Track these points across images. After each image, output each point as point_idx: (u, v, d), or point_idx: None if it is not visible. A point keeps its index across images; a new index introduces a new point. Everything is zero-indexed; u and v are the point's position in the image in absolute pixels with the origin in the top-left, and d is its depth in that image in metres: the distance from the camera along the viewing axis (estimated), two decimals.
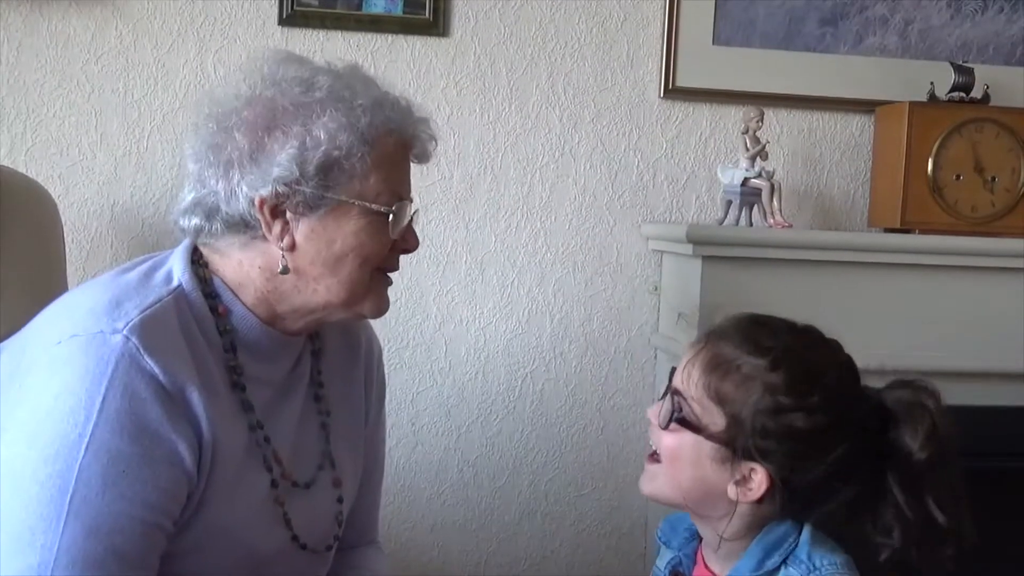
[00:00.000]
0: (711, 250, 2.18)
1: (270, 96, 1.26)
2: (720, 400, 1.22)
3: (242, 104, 1.26)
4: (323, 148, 1.23)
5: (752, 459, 1.21)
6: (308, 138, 1.23)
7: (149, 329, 1.18)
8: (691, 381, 1.25)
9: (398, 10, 2.32)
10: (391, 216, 1.28)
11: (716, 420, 1.22)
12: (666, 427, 1.25)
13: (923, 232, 2.30)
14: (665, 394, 1.29)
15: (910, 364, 2.19)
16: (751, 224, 2.30)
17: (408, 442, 2.41)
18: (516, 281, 2.42)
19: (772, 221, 2.28)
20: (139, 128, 2.26)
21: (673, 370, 1.31)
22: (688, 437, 1.24)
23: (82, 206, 2.25)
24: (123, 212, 2.26)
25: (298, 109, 1.24)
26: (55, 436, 1.13)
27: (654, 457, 1.29)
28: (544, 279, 2.43)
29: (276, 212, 1.25)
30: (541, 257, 2.42)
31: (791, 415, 1.20)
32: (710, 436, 1.22)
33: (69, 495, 1.12)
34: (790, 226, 2.30)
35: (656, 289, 2.45)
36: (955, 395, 2.31)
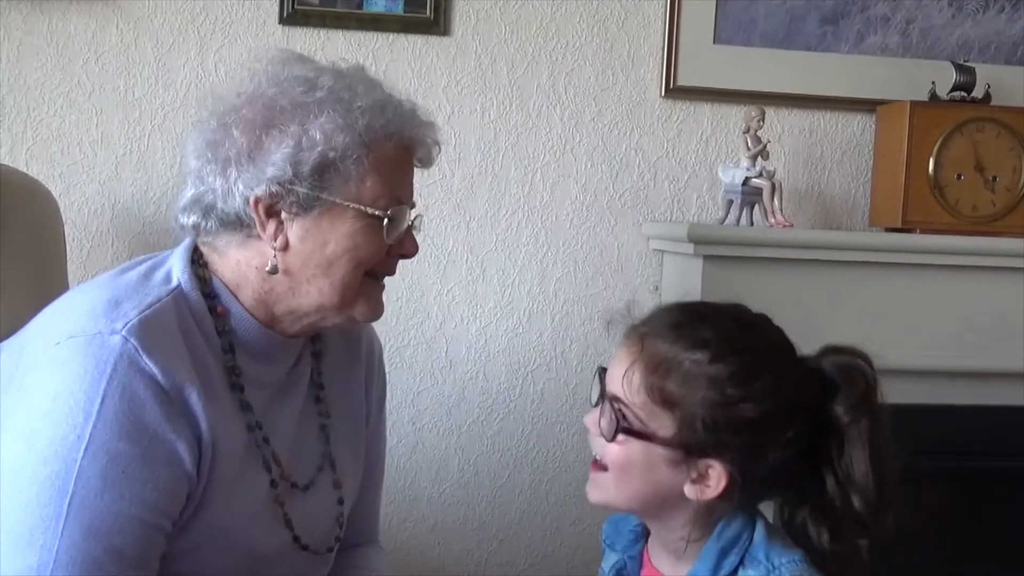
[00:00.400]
0: (712, 249, 2.18)
1: (271, 95, 1.25)
2: (665, 403, 1.17)
3: (243, 102, 1.26)
4: (319, 149, 1.22)
5: (707, 455, 1.17)
6: (304, 138, 1.22)
7: (148, 330, 1.18)
8: (631, 387, 1.19)
9: (399, 9, 2.32)
10: (386, 220, 1.27)
11: (665, 424, 1.17)
12: (612, 439, 1.19)
13: (924, 232, 2.30)
14: (600, 401, 1.23)
15: (911, 363, 2.21)
16: (752, 224, 2.30)
17: (409, 441, 2.41)
18: (517, 280, 2.42)
19: (773, 221, 2.28)
20: (140, 127, 2.26)
21: (602, 371, 1.25)
22: (637, 446, 1.19)
23: (83, 205, 2.25)
24: (124, 211, 2.26)
25: (296, 108, 1.24)
26: (54, 437, 1.13)
27: (599, 465, 1.24)
28: (545, 278, 2.42)
29: (271, 212, 1.25)
30: (542, 256, 2.42)
31: (741, 406, 1.16)
32: (661, 442, 1.17)
33: (68, 496, 1.12)
34: (791, 226, 2.30)
35: (657, 288, 2.45)
36: (956, 394, 2.33)
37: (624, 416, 1.19)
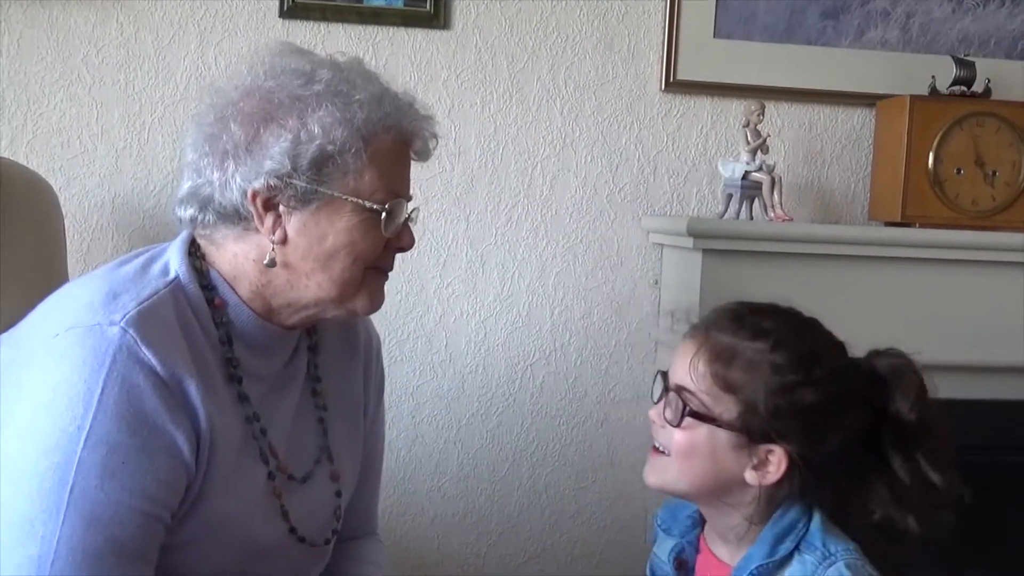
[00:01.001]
0: (712, 243, 2.18)
1: (269, 88, 1.25)
2: (729, 388, 1.24)
3: (241, 95, 1.26)
4: (317, 142, 1.22)
5: (768, 440, 1.23)
6: (303, 131, 1.22)
7: (146, 321, 1.18)
8: (696, 375, 1.25)
9: (399, 2, 2.32)
10: (384, 214, 1.27)
11: (729, 408, 1.24)
12: (678, 424, 1.25)
13: (923, 226, 2.30)
14: (662, 395, 1.29)
15: (911, 358, 2.21)
16: (752, 218, 2.30)
17: (408, 435, 2.41)
18: (516, 274, 2.42)
19: (773, 215, 2.28)
20: (140, 120, 2.26)
21: (663, 374, 1.32)
22: (702, 430, 1.25)
23: (83, 198, 2.25)
24: (124, 204, 2.26)
25: (295, 102, 1.24)
26: (54, 428, 1.13)
27: (659, 450, 1.30)
28: (544, 272, 2.43)
29: (269, 205, 1.25)
30: (541, 250, 2.42)
31: (801, 391, 1.23)
32: (725, 425, 1.24)
33: (69, 487, 1.12)
34: (791, 220, 2.30)
35: (656, 282, 2.45)
36: (956, 389, 2.32)
37: (690, 402, 1.25)
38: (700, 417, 1.25)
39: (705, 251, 2.19)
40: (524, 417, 2.45)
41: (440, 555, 2.45)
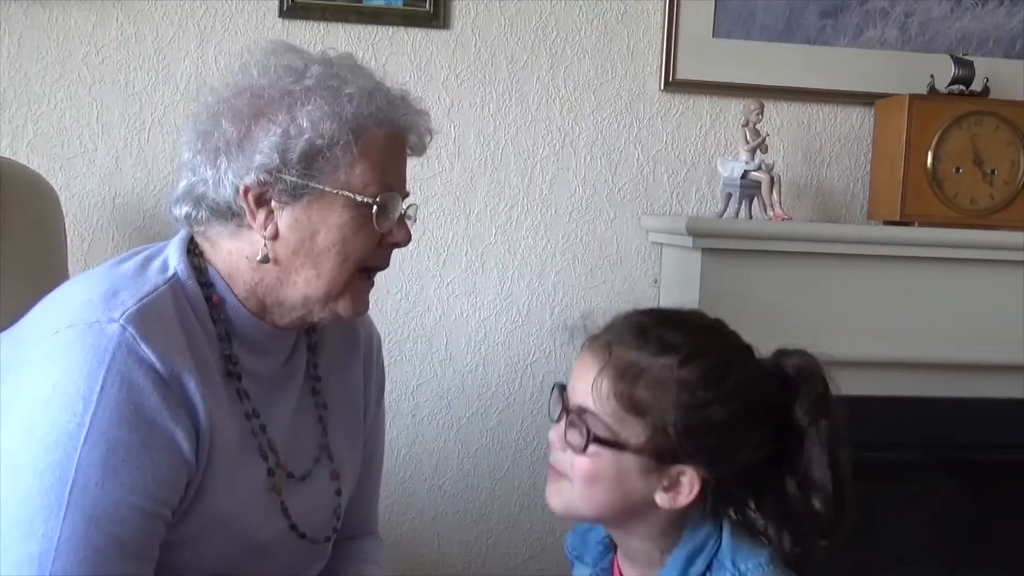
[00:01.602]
0: (711, 242, 2.18)
1: (260, 85, 1.26)
2: (636, 410, 1.15)
3: (232, 93, 1.27)
4: (306, 136, 1.23)
5: (678, 461, 1.15)
6: (292, 126, 1.23)
7: (145, 318, 1.19)
8: (600, 396, 1.16)
9: (398, 2, 2.32)
10: (375, 208, 1.27)
11: (636, 431, 1.15)
12: (584, 451, 1.16)
13: (922, 225, 2.31)
14: (561, 414, 1.20)
15: (909, 356, 2.22)
16: (751, 217, 2.31)
17: (408, 433, 2.42)
18: (516, 273, 2.42)
19: (772, 214, 2.28)
20: (140, 120, 2.26)
21: (561, 388, 1.22)
22: (607, 456, 1.16)
23: (83, 198, 2.25)
24: (124, 204, 2.26)
25: (284, 97, 1.24)
26: (54, 425, 1.13)
27: (559, 471, 1.21)
28: (544, 271, 2.43)
29: (261, 201, 1.25)
30: (541, 249, 2.42)
31: (711, 408, 1.14)
32: (632, 450, 1.15)
33: (69, 484, 1.12)
34: (790, 219, 2.30)
35: (656, 281, 2.45)
36: (954, 387, 2.33)
37: (594, 427, 1.16)
38: (606, 443, 1.15)
39: (704, 250, 2.19)
40: (524, 416, 2.45)
41: (440, 554, 2.46)
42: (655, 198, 2.45)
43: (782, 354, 1.22)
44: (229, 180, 1.24)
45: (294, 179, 1.24)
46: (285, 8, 2.28)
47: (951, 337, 2.26)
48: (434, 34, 2.35)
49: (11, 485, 1.13)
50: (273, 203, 1.25)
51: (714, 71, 2.41)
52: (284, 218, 1.26)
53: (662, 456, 1.15)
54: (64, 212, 1.92)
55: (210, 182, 1.26)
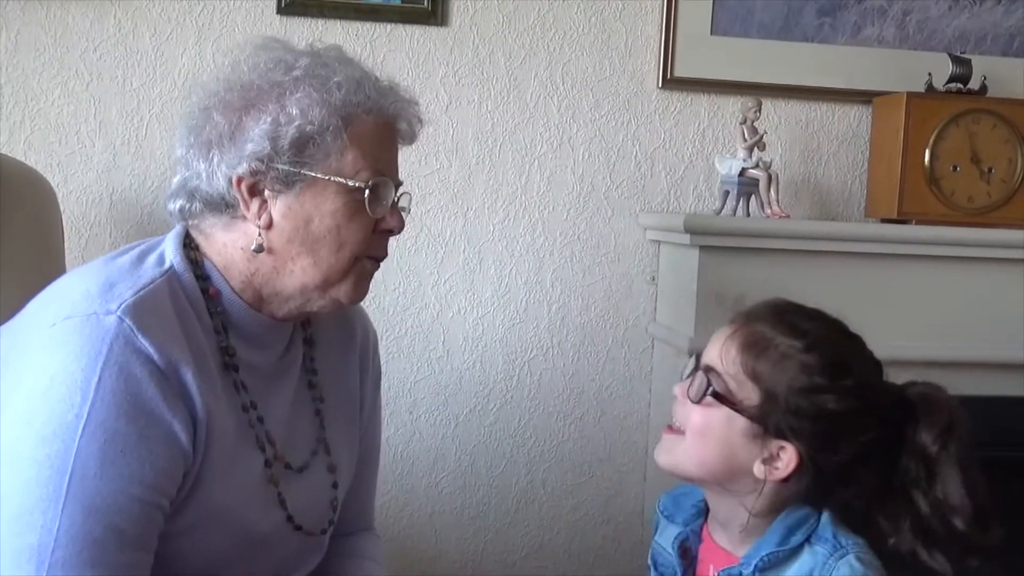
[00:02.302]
0: (708, 240, 2.19)
1: (250, 79, 1.27)
2: (755, 377, 1.25)
3: (223, 87, 1.28)
4: (296, 123, 1.24)
5: (782, 437, 1.24)
6: (281, 114, 1.24)
7: (143, 310, 1.19)
8: (727, 358, 1.27)
9: None
10: (367, 192, 1.27)
11: (750, 396, 1.25)
12: (699, 401, 1.26)
13: (920, 223, 2.31)
14: (693, 371, 1.30)
15: (907, 354, 2.21)
16: (748, 214, 2.31)
17: (406, 431, 2.42)
18: (514, 270, 2.42)
19: (769, 211, 2.28)
20: (138, 116, 2.26)
21: (697, 355, 1.33)
22: (719, 412, 1.26)
23: (81, 194, 2.25)
24: (122, 200, 2.26)
25: (273, 88, 1.26)
26: (52, 417, 1.13)
27: (674, 430, 1.31)
28: (542, 268, 2.43)
29: (254, 190, 1.26)
30: (539, 247, 2.43)
31: (824, 396, 1.23)
32: (743, 411, 1.25)
33: (67, 475, 1.12)
34: (787, 216, 2.30)
35: (653, 279, 2.46)
36: (951, 385, 2.32)
37: (715, 382, 1.26)
38: (721, 399, 1.26)
39: (702, 248, 2.19)
40: (521, 413, 2.46)
41: (438, 551, 2.46)
42: (653, 195, 2.45)
43: (910, 384, 1.31)
44: (222, 171, 1.25)
45: (286, 167, 1.25)
46: (283, 5, 2.28)
47: (948, 335, 2.26)
48: (432, 31, 2.35)
49: (9, 476, 1.13)
50: (266, 192, 1.26)
51: (712, 69, 2.41)
52: (278, 206, 1.27)
53: (768, 426, 1.24)
54: (61, 208, 1.92)
55: (203, 175, 1.27)
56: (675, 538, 1.39)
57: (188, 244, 1.31)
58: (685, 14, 2.39)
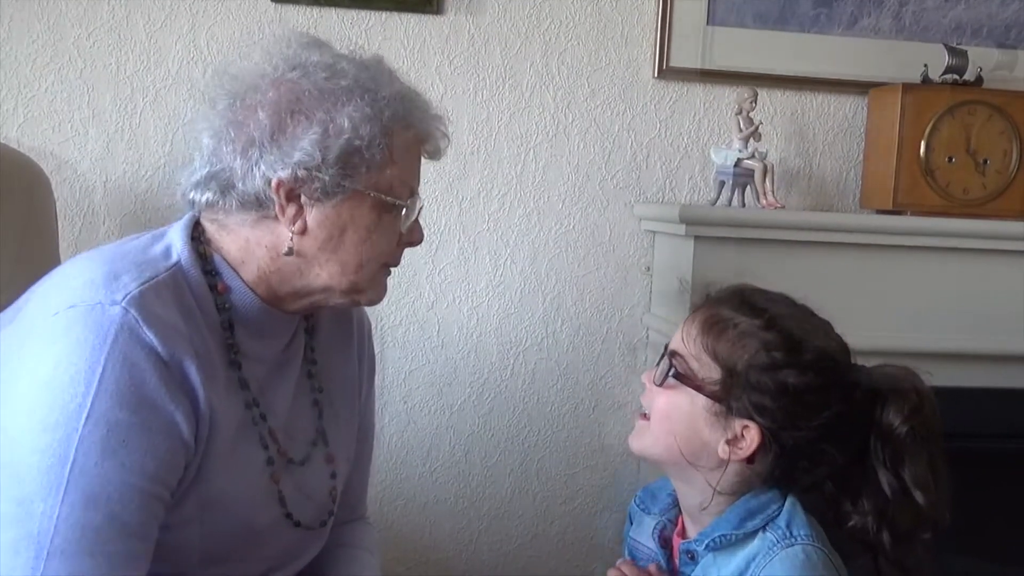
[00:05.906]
0: (704, 230, 2.18)
1: (294, 79, 1.26)
2: (716, 356, 1.27)
3: (266, 84, 1.26)
4: (346, 136, 1.24)
5: (745, 416, 1.25)
6: (331, 125, 1.24)
7: (148, 302, 1.19)
8: (688, 339, 1.30)
9: None
10: (404, 210, 1.30)
11: (712, 375, 1.27)
12: (661, 383, 1.29)
13: (915, 214, 2.31)
14: (660, 358, 1.32)
15: (901, 345, 2.22)
16: (744, 205, 2.31)
17: (400, 420, 2.42)
18: (509, 260, 2.42)
19: (765, 202, 2.28)
20: (132, 104, 2.25)
21: (666, 347, 1.34)
22: (682, 395, 1.28)
23: (75, 182, 2.24)
24: (116, 188, 2.26)
25: (323, 95, 1.25)
26: (54, 406, 1.13)
27: (645, 416, 1.34)
28: (537, 259, 2.43)
29: (291, 195, 1.26)
30: (534, 237, 2.42)
31: (784, 371, 1.25)
32: (704, 390, 1.27)
33: (69, 464, 1.12)
34: (782, 207, 2.30)
35: (648, 269, 2.46)
36: (946, 376, 2.32)
37: (677, 364, 1.29)
38: (683, 378, 1.28)
39: (697, 238, 2.19)
40: (516, 403, 2.46)
41: (432, 540, 2.46)
42: (648, 185, 2.45)
43: (880, 366, 1.32)
44: (260, 171, 1.24)
45: (330, 178, 1.25)
46: None
47: (943, 326, 2.27)
48: (427, 19, 2.34)
49: (11, 464, 1.13)
50: (303, 199, 1.26)
51: (708, 59, 2.41)
52: (314, 214, 1.27)
53: (730, 405, 1.26)
54: (55, 196, 1.91)
55: (238, 172, 1.25)
56: (653, 528, 1.41)
57: (197, 236, 1.30)
58: (681, 4, 2.38)
